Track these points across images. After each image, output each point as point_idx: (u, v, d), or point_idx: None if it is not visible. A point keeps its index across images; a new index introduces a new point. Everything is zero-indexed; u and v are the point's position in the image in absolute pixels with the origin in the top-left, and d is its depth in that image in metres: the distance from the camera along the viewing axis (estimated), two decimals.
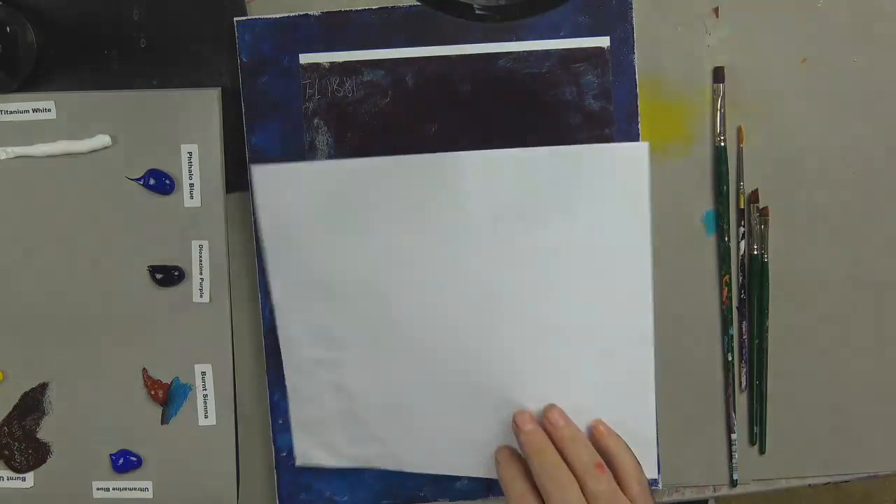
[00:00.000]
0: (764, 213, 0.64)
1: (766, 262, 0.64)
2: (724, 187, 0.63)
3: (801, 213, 0.64)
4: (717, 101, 0.63)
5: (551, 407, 0.58)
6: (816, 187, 0.64)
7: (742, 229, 0.64)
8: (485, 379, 0.59)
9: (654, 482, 0.63)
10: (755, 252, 0.64)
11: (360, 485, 0.65)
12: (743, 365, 0.65)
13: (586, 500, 0.53)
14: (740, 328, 0.64)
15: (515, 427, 0.57)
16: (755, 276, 0.64)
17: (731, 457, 0.65)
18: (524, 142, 0.62)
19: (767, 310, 0.64)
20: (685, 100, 0.64)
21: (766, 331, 0.64)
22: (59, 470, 0.65)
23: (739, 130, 0.64)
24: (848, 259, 0.64)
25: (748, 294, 0.64)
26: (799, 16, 0.63)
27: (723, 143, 0.63)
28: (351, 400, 0.62)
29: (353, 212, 0.59)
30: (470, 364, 0.59)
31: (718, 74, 0.63)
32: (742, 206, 0.64)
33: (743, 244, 0.64)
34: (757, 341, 0.64)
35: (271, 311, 0.63)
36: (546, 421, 0.57)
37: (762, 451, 0.65)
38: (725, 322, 0.64)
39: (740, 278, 0.64)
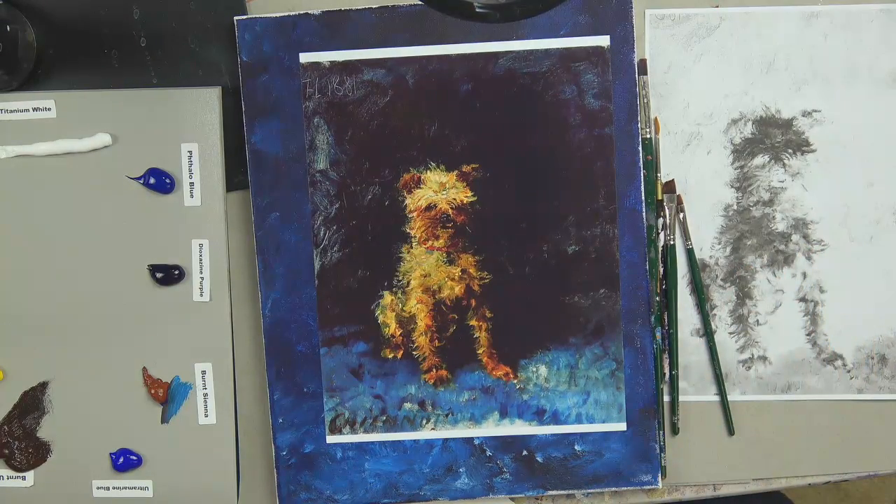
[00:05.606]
0: (679, 202, 0.64)
1: (674, 250, 0.64)
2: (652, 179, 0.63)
3: None
4: (641, 93, 0.63)
5: None
6: None
7: (661, 220, 0.64)
8: None
9: (654, 482, 0.63)
10: (671, 242, 0.64)
11: (361, 484, 0.65)
12: (665, 356, 0.64)
13: None
14: (662, 319, 0.64)
15: None
16: (671, 265, 0.64)
17: (661, 448, 0.64)
18: (524, 141, 0.62)
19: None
20: None
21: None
22: (59, 469, 0.65)
23: (655, 122, 0.63)
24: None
25: (667, 283, 0.64)
26: None
27: (648, 135, 0.63)
28: None
29: None
30: None
31: (641, 66, 0.63)
32: (660, 198, 0.64)
33: (663, 235, 0.64)
34: (670, 330, 0.64)
35: (271, 311, 0.63)
36: None
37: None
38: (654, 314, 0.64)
39: (661, 269, 0.64)
